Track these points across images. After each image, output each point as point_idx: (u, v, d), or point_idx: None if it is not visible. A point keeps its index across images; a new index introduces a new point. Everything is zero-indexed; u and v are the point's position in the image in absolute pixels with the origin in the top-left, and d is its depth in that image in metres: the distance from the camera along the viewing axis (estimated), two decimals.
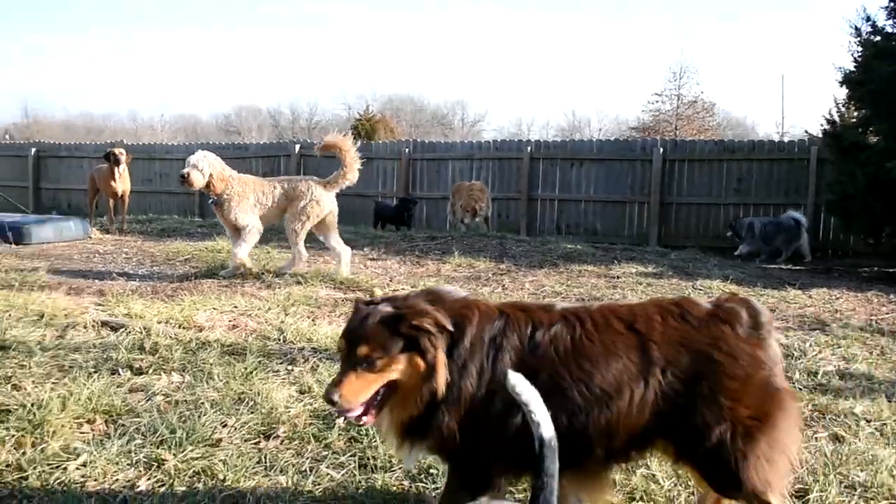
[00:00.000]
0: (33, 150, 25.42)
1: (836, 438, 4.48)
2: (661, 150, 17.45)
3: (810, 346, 6.33)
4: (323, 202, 9.16)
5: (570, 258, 10.84)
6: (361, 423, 3.04)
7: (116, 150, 14.55)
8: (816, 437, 4.46)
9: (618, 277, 9.54)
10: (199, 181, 8.80)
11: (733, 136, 50.81)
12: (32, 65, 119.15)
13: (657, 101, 47.06)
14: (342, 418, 3.07)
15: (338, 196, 19.00)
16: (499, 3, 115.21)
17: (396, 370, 2.95)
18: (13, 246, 11.10)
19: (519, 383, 2.63)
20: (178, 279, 8.79)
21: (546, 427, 2.57)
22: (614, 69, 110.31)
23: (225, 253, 10.20)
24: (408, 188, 19.70)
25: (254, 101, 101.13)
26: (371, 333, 2.94)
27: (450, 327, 2.98)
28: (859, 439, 4.44)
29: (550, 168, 18.75)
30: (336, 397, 2.91)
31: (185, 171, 8.83)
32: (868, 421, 4.73)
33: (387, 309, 3.02)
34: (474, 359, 3.02)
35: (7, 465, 3.86)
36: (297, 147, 21.62)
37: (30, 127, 66.59)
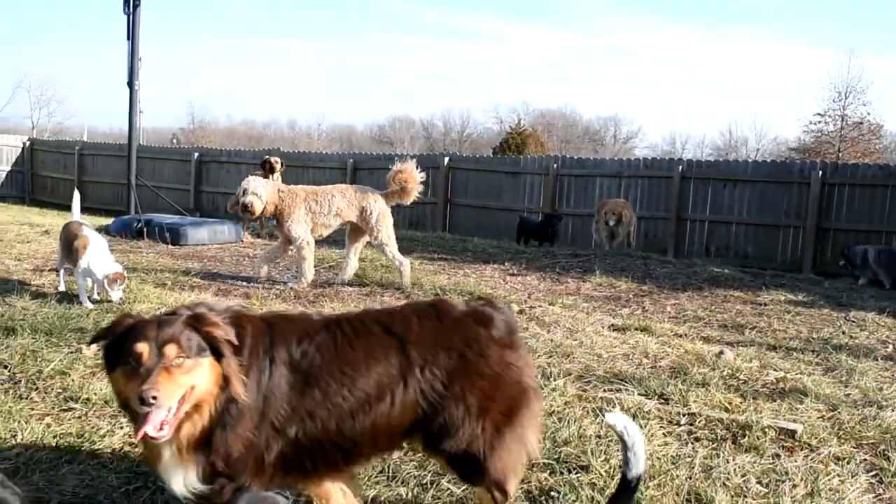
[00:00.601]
0: (196, 154, 26.70)
1: None
2: (820, 172, 16.72)
3: None
4: (388, 211, 9.33)
5: (715, 282, 10.52)
6: (161, 434, 2.81)
7: (272, 159, 15.06)
8: None
9: (765, 305, 9.17)
10: (259, 208, 8.84)
11: None
12: (200, 73, 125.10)
13: (819, 122, 45.30)
14: (140, 434, 2.81)
15: (484, 209, 18.70)
16: (655, 17, 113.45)
17: (199, 373, 2.87)
18: (170, 246, 11.64)
19: (627, 425, 2.61)
20: (322, 285, 8.99)
21: (636, 468, 2.59)
22: (774, 87, 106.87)
23: (368, 262, 10.37)
24: (554, 204, 19.59)
25: (407, 112, 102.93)
26: (176, 335, 2.86)
27: (234, 339, 2.95)
28: None
29: (701, 188, 18.28)
30: (155, 393, 2.69)
31: (248, 200, 8.84)
32: None
33: (184, 314, 2.97)
34: (252, 371, 3.00)
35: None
36: (446, 160, 21.84)
37: (195, 132, 70.03)
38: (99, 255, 7.45)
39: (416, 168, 9.50)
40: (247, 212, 8.90)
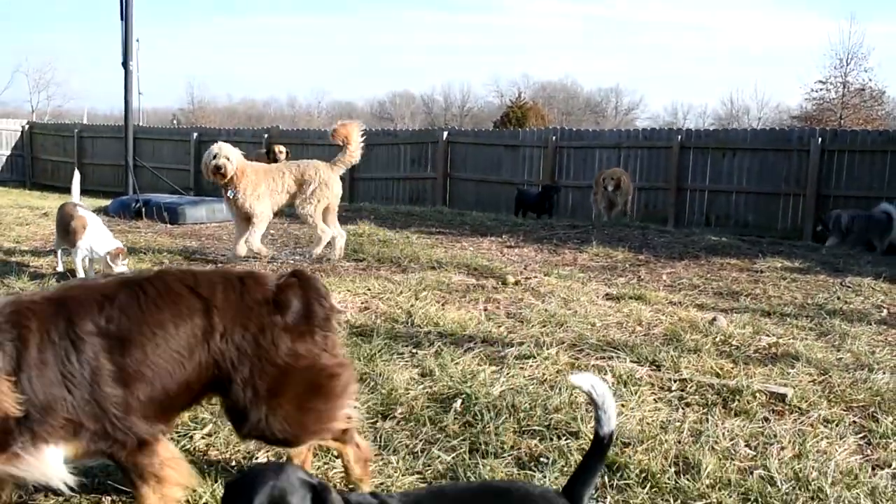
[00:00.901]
0: (195, 134, 26.70)
1: None
2: (819, 140, 16.71)
3: None
4: (332, 184, 9.20)
5: (713, 251, 10.54)
6: None
7: (277, 148, 15.17)
8: None
9: (761, 272, 9.19)
10: (231, 170, 8.72)
11: None
12: (200, 53, 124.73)
13: (821, 90, 45.10)
14: None
15: (484, 183, 18.65)
16: None
17: None
18: (168, 226, 11.67)
19: (594, 384, 2.64)
20: (319, 261, 9.03)
21: (607, 426, 2.62)
22: (776, 55, 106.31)
23: (365, 237, 10.41)
24: (554, 176, 19.61)
25: (407, 88, 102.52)
26: None
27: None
28: None
29: (701, 158, 18.29)
30: None
31: (220, 162, 8.72)
32: None
33: None
34: (49, 361, 2.84)
35: None
36: (445, 134, 21.87)
37: (195, 113, 69.99)
38: (98, 234, 7.53)
39: (358, 127, 9.44)
40: (218, 174, 8.74)
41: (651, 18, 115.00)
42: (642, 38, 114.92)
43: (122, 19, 13.70)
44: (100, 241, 7.48)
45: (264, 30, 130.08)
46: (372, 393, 4.60)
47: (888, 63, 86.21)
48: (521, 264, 9.26)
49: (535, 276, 8.30)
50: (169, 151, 26.96)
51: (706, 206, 18.17)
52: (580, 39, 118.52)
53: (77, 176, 8.85)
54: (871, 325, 6.78)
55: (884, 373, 5.34)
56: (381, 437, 4.05)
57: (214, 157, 8.75)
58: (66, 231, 7.69)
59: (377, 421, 4.29)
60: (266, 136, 24.88)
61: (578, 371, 5.17)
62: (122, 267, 7.43)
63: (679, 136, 18.64)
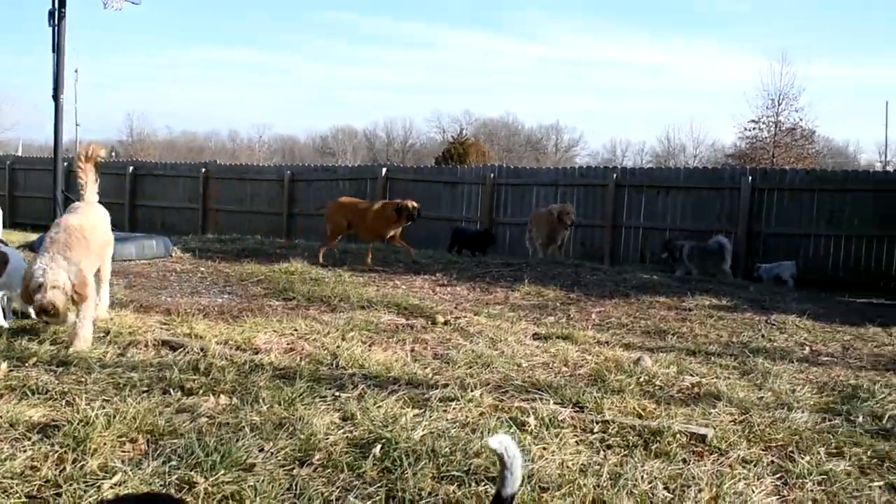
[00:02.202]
0: (131, 168, 26.32)
1: (892, 488, 4.26)
2: (750, 178, 17.07)
3: (880, 388, 6.03)
4: None
5: (643, 289, 10.64)
6: None
7: (410, 204, 12.35)
8: (870, 487, 4.24)
9: (689, 310, 9.31)
10: (63, 303, 6.21)
11: (834, 164, 49.63)
12: (138, 86, 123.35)
13: (754, 129, 46.14)
14: None
15: (423, 219, 18.09)
16: (597, 26, 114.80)
17: None
18: None
19: (507, 445, 2.64)
20: (248, 300, 8.91)
21: (510, 487, 2.67)
22: (711, 94, 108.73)
23: (297, 275, 10.32)
24: (492, 213, 19.71)
25: (350, 123, 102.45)
26: None
27: None
28: None
29: (636, 196, 18.55)
30: None
31: (46, 299, 6.10)
32: None
33: None
34: None
35: (46, 482, 3.93)
36: (384, 170, 21.84)
37: (134, 145, 69.12)
38: (18, 271, 7.30)
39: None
40: (46, 315, 6.26)
41: (591, 57, 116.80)
42: (581, 77, 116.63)
43: (53, 51, 13.50)
44: (19, 280, 7.25)
45: (206, 63, 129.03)
46: (290, 438, 4.50)
47: (817, 103, 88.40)
48: (453, 303, 9.25)
49: (465, 316, 8.29)
50: (104, 185, 25.93)
51: (641, 243, 18.39)
52: (521, 77, 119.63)
53: None
54: (793, 363, 6.88)
55: (802, 412, 5.40)
56: (296, 486, 3.96)
57: (39, 288, 6.15)
58: None
59: (294, 468, 4.20)
60: (203, 170, 24.61)
61: (503, 413, 5.15)
62: None
63: (615, 175, 18.89)
